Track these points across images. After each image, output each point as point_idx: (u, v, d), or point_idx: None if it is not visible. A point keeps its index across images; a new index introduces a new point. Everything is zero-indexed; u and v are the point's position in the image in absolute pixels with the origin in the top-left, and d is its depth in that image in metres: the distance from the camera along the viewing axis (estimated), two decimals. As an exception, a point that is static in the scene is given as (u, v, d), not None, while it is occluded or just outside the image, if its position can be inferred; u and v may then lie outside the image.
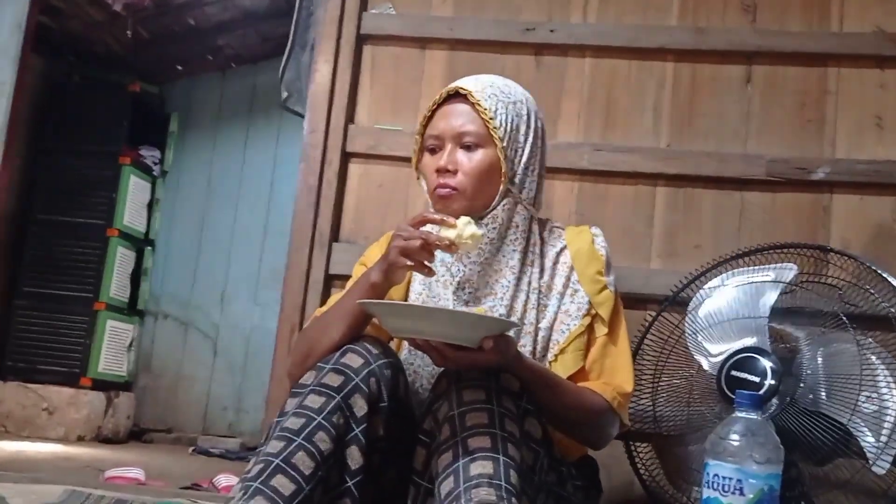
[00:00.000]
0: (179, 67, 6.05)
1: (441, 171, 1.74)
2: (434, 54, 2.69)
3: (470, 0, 2.70)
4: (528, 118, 1.78)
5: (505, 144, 1.74)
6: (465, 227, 1.56)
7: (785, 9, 2.53)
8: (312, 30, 2.77)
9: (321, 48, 2.69)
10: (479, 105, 1.74)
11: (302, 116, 2.70)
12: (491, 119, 1.73)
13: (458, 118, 1.75)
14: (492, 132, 1.73)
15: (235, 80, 6.09)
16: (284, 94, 2.82)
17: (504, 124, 1.74)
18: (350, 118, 2.68)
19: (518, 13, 2.66)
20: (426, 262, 1.58)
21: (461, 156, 1.74)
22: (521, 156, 1.76)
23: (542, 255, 1.79)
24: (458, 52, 2.67)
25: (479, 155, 1.74)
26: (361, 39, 2.72)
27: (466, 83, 1.77)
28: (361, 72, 2.72)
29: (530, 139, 1.77)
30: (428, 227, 1.60)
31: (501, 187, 1.74)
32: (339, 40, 2.69)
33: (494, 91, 1.77)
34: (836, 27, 2.50)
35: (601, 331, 1.77)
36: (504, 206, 1.75)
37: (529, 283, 1.75)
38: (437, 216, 1.61)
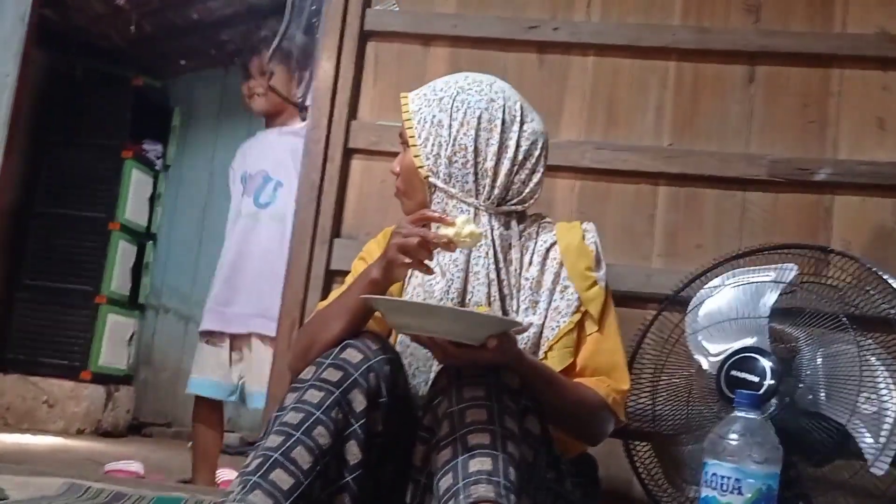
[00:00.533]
0: (182, 62, 6.06)
1: (394, 174, 1.87)
2: (437, 51, 2.69)
3: (474, -3, 2.70)
4: (458, 111, 1.76)
5: (420, 141, 1.76)
6: (463, 226, 1.57)
7: (788, 9, 2.53)
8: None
9: (324, 44, 2.70)
10: (404, 106, 1.81)
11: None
12: (409, 119, 1.79)
13: (402, 122, 1.83)
14: (406, 131, 1.79)
15: (238, 76, 6.10)
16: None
17: (422, 121, 1.77)
18: (353, 114, 2.68)
19: (521, 11, 2.66)
20: (425, 261, 1.58)
21: (401, 156, 1.84)
22: (444, 149, 1.75)
23: (532, 251, 1.79)
24: (461, 50, 2.67)
25: (407, 154, 1.80)
26: (365, 36, 2.72)
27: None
28: (364, 68, 2.72)
29: (458, 131, 1.75)
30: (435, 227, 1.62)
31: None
32: (343, 36, 2.69)
33: (426, 91, 1.82)
34: (840, 28, 2.50)
35: (591, 328, 1.77)
36: (435, 201, 1.77)
37: (508, 279, 1.75)
38: (435, 214, 1.63)
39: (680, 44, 2.55)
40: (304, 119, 2.95)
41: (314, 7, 2.84)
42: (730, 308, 2.05)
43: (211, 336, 2.77)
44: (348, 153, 2.66)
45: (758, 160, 2.46)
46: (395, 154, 2.55)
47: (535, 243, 1.81)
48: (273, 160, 2.84)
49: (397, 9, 2.72)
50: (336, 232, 2.63)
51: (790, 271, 2.06)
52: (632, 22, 2.60)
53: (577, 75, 2.61)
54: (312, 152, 2.65)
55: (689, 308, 2.14)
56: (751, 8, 2.55)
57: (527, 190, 1.79)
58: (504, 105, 1.77)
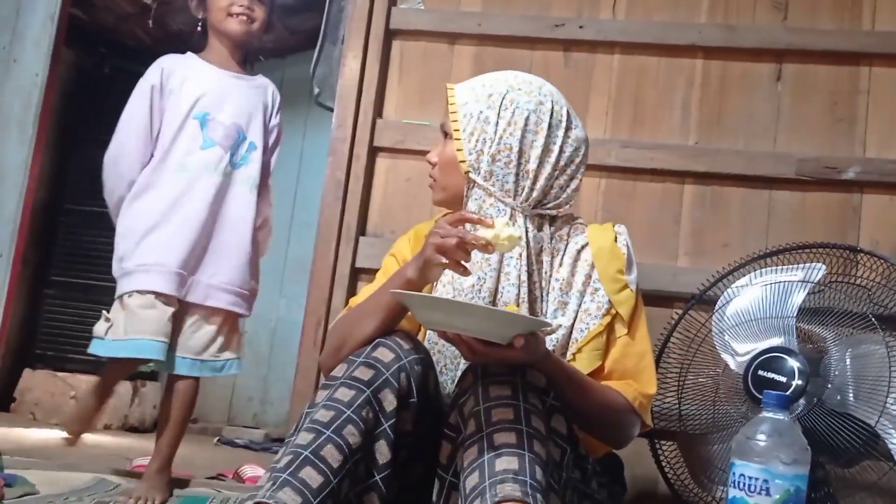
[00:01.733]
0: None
1: (430, 164, 1.84)
2: (462, 49, 2.70)
3: (499, -5, 2.70)
4: (506, 109, 1.75)
5: (465, 135, 1.75)
6: (502, 228, 1.56)
7: (816, 7, 2.51)
8: (343, 25, 2.78)
9: (350, 43, 2.71)
10: (451, 98, 1.78)
11: (332, 111, 2.71)
12: (454, 112, 1.76)
13: (445, 113, 1.81)
14: (451, 123, 1.77)
15: (263, 73, 6.12)
16: (316, 90, 2.83)
17: (469, 115, 1.76)
18: (378, 113, 2.69)
19: (547, 9, 2.66)
20: (462, 262, 1.58)
21: (441, 147, 1.82)
22: (488, 146, 1.74)
23: (563, 252, 1.79)
24: (487, 48, 2.68)
25: (449, 146, 1.78)
26: (390, 34, 2.73)
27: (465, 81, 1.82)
28: (390, 67, 2.73)
29: (504, 130, 1.73)
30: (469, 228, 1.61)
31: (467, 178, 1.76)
32: (368, 35, 2.70)
33: (475, 84, 1.80)
34: (869, 26, 2.48)
35: (621, 331, 1.76)
36: (472, 197, 1.76)
37: (540, 281, 1.75)
38: (474, 216, 1.62)
39: (706, 41, 2.54)
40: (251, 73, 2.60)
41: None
42: (757, 307, 2.04)
43: (159, 297, 2.36)
44: (373, 151, 2.67)
45: (785, 159, 2.44)
46: (420, 152, 2.58)
47: (567, 245, 1.80)
48: (248, 116, 2.48)
49: (423, 7, 2.73)
50: (361, 230, 2.64)
51: (818, 271, 2.04)
52: (658, 20, 2.59)
53: (603, 73, 2.60)
54: (338, 151, 2.66)
55: (716, 307, 2.13)
56: (778, 5, 2.53)
57: (564, 195, 1.78)
58: (552, 108, 1.76)
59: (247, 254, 2.46)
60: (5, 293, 3.02)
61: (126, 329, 2.32)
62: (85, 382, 4.86)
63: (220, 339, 2.43)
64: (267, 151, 2.50)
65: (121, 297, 2.36)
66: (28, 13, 2.82)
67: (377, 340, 1.59)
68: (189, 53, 2.54)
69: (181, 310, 2.37)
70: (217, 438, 5.01)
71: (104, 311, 2.41)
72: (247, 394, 5.85)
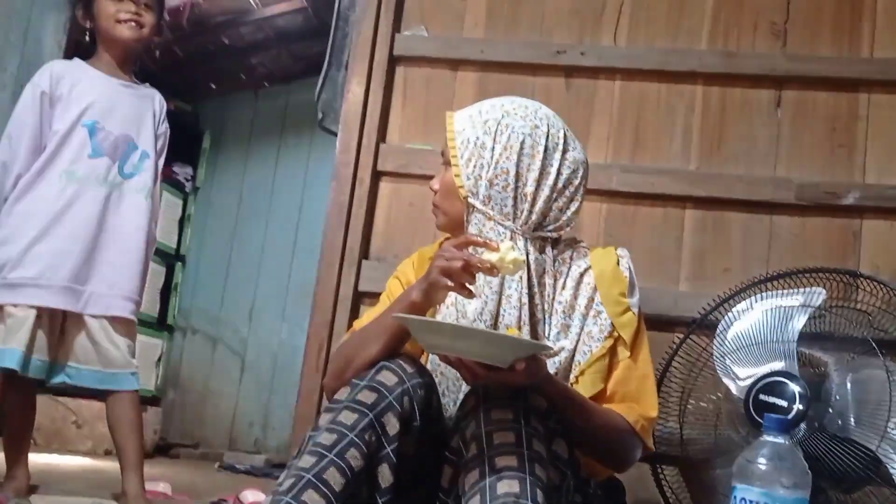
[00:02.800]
0: (213, 86, 6.13)
1: (432, 191, 1.87)
2: (465, 76, 2.72)
3: (501, 23, 2.73)
4: (502, 134, 1.76)
5: (462, 161, 1.77)
6: (507, 252, 1.57)
7: (815, 34, 2.54)
8: (347, 51, 2.81)
9: (354, 69, 2.73)
10: (449, 126, 1.81)
11: (336, 136, 2.73)
12: (452, 139, 1.78)
13: (445, 141, 1.83)
14: (449, 150, 1.79)
15: (268, 99, 6.17)
16: (320, 115, 2.85)
17: (466, 141, 1.78)
18: (382, 137, 2.71)
19: (549, 36, 2.69)
20: (467, 284, 1.59)
21: (442, 174, 1.84)
22: (486, 171, 1.76)
23: (565, 275, 1.80)
24: (490, 74, 2.70)
25: (448, 173, 1.80)
26: (394, 61, 2.75)
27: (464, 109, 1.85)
28: (394, 92, 2.76)
29: (500, 155, 1.75)
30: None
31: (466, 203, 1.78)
32: (372, 61, 2.73)
33: (473, 112, 1.82)
34: (867, 53, 2.50)
35: (623, 354, 1.77)
36: (472, 221, 1.77)
37: (542, 304, 1.76)
38: (479, 239, 1.63)
39: (707, 68, 2.57)
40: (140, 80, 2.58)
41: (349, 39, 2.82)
42: (758, 332, 2.05)
43: (43, 311, 2.33)
44: (377, 176, 2.69)
45: (785, 184, 2.46)
46: (424, 177, 2.60)
47: (570, 268, 1.80)
48: (137, 124, 2.48)
49: (426, 34, 2.76)
50: (364, 253, 2.65)
51: (819, 295, 2.05)
52: (658, 47, 2.62)
53: (604, 99, 2.63)
54: (342, 175, 2.68)
55: (717, 331, 2.14)
56: (778, 33, 2.56)
57: (564, 217, 1.79)
58: (548, 132, 1.78)
59: (142, 262, 2.49)
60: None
61: (3, 339, 2.29)
62: (86, 407, 4.86)
63: (129, 349, 2.45)
64: (157, 158, 2.53)
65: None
66: (36, 40, 2.85)
67: (380, 364, 1.60)
68: (76, 60, 2.52)
69: (80, 323, 2.36)
70: (218, 463, 5.00)
71: None
72: (248, 418, 5.85)
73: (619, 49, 2.63)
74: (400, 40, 2.75)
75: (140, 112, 2.50)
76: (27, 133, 2.38)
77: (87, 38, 2.54)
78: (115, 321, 2.40)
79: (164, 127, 2.59)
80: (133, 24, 2.45)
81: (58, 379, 2.44)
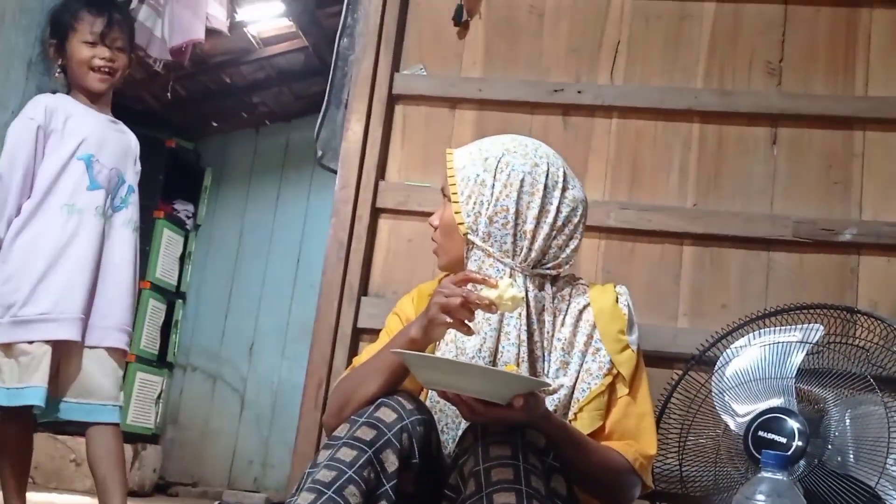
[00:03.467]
0: (214, 124, 6.19)
1: (432, 227, 1.89)
2: (464, 114, 2.75)
3: (499, 62, 2.76)
4: (502, 172, 1.77)
5: (463, 198, 1.78)
6: (506, 289, 1.58)
7: (810, 72, 2.56)
8: (347, 89, 2.84)
9: (354, 107, 2.76)
10: (449, 162, 1.83)
11: (336, 173, 2.75)
12: (452, 176, 1.80)
13: (445, 177, 1.84)
14: (449, 186, 1.80)
15: (269, 137, 6.22)
16: (319, 153, 2.87)
17: (466, 178, 1.79)
18: (381, 175, 2.73)
19: (546, 75, 2.72)
20: (466, 321, 1.59)
21: (441, 210, 1.86)
22: (486, 208, 1.77)
23: (564, 312, 1.80)
24: (487, 112, 2.73)
25: (448, 209, 1.82)
26: (393, 99, 2.78)
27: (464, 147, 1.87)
28: (393, 130, 2.78)
29: (501, 192, 1.76)
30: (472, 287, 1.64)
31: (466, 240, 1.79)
32: (372, 99, 2.76)
33: (473, 149, 1.84)
34: (862, 91, 2.52)
35: (622, 391, 1.77)
36: (472, 258, 1.78)
37: (541, 340, 1.77)
38: (478, 276, 1.64)
39: (703, 106, 2.59)
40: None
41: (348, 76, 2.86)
42: (756, 368, 2.05)
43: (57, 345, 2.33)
44: (376, 212, 2.71)
45: (782, 220, 2.47)
46: (422, 214, 2.62)
47: (569, 305, 1.81)
48: (123, 159, 2.53)
49: (425, 73, 2.79)
50: (364, 290, 2.66)
51: (816, 331, 2.06)
52: (655, 85, 2.64)
53: (601, 137, 2.65)
54: (341, 212, 2.69)
55: (716, 368, 2.14)
56: (773, 71, 2.59)
57: (563, 255, 1.80)
58: (547, 170, 1.79)
59: (131, 294, 2.51)
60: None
61: (21, 377, 2.29)
62: (84, 446, 4.85)
63: (119, 382, 2.45)
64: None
65: (10, 344, 2.33)
66: (38, 79, 2.88)
67: (380, 400, 1.60)
68: (62, 94, 2.55)
69: (77, 355, 2.36)
70: (217, 502, 4.97)
71: None
72: (248, 457, 5.83)
73: (615, 87, 2.66)
74: (399, 79, 2.78)
75: (123, 147, 2.56)
76: (19, 172, 2.39)
77: (59, 73, 2.56)
78: (110, 352, 2.42)
79: (138, 165, 2.67)
80: (106, 72, 2.49)
81: (51, 415, 2.44)
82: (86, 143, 2.45)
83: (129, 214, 2.53)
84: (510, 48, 2.76)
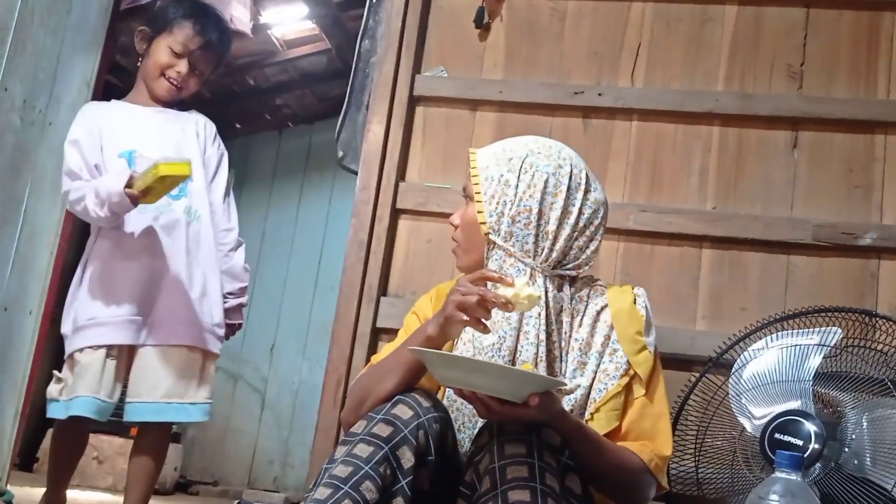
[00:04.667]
0: (238, 125, 6.23)
1: (452, 226, 1.89)
2: (484, 116, 2.76)
3: (520, 64, 2.77)
4: (526, 173, 1.78)
5: (486, 197, 1.79)
6: (522, 287, 1.59)
7: (831, 76, 2.56)
8: (368, 91, 2.86)
9: (375, 109, 2.78)
10: (472, 162, 1.83)
11: (356, 174, 2.77)
12: (476, 175, 1.81)
13: (467, 177, 1.86)
14: (472, 186, 1.81)
15: (292, 139, 6.26)
16: (340, 154, 2.89)
17: (490, 178, 1.80)
18: (401, 176, 2.75)
19: (567, 77, 2.73)
20: (482, 319, 1.61)
21: (463, 210, 1.87)
22: (509, 208, 1.78)
23: (582, 313, 1.81)
24: (508, 114, 2.74)
25: (470, 208, 1.83)
26: (414, 101, 2.80)
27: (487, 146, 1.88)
28: (413, 131, 2.80)
29: (524, 192, 1.77)
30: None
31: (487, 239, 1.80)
32: (393, 101, 2.77)
33: (496, 149, 1.85)
34: (884, 95, 2.52)
35: (639, 392, 1.77)
36: (493, 258, 1.79)
37: (559, 341, 1.77)
38: (495, 274, 1.65)
39: (723, 109, 2.59)
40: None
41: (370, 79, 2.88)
42: (774, 371, 2.05)
43: (114, 351, 2.30)
44: (396, 213, 2.73)
45: (802, 224, 2.47)
46: (442, 215, 2.63)
47: (587, 306, 1.82)
48: (176, 147, 2.42)
49: (446, 75, 2.80)
50: (383, 290, 2.68)
51: (834, 335, 2.05)
52: (675, 87, 2.64)
53: (622, 139, 2.65)
54: (361, 212, 2.71)
55: (733, 370, 2.14)
56: (794, 75, 2.58)
57: (583, 256, 1.81)
58: (571, 171, 1.81)
59: (202, 286, 2.42)
60: (33, 350, 3.07)
61: (72, 388, 2.27)
62: (107, 443, 4.89)
63: (183, 380, 2.37)
64: (211, 180, 2.52)
65: (70, 355, 2.31)
66: (65, 79, 2.92)
67: (397, 398, 1.61)
68: (113, 102, 2.54)
69: (137, 354, 2.32)
70: (237, 501, 5.00)
71: (55, 373, 2.36)
72: (268, 456, 5.85)
73: (636, 90, 2.66)
74: (420, 81, 2.80)
75: (179, 134, 2.48)
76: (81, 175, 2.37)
77: (139, 64, 2.52)
78: (173, 349, 2.35)
79: (215, 148, 2.58)
80: (174, 86, 2.46)
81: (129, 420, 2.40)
82: (126, 140, 2.40)
83: (186, 204, 2.42)
84: (531, 50, 2.77)
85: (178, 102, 2.58)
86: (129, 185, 2.21)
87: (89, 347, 2.30)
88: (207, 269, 2.45)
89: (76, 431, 2.44)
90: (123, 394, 2.37)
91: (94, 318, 2.31)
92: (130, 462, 2.41)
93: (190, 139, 2.50)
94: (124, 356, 2.35)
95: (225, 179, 2.60)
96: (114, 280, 2.34)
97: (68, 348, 2.34)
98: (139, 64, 2.53)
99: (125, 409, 2.37)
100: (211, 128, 2.59)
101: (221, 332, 2.48)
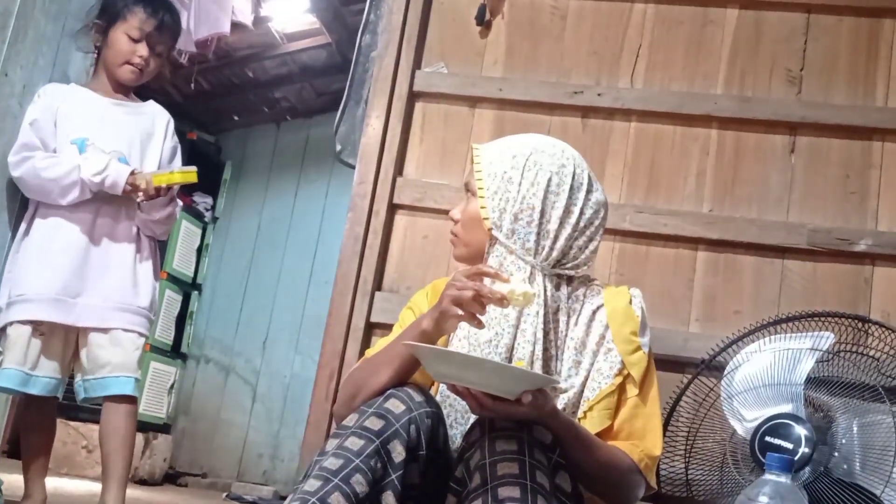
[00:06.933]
0: (236, 118, 6.22)
1: (452, 221, 1.88)
2: (483, 113, 2.76)
3: (520, 62, 2.78)
4: (529, 171, 1.79)
5: (489, 193, 1.79)
6: (518, 284, 1.59)
7: (830, 82, 2.57)
8: (367, 85, 2.86)
9: (374, 103, 2.78)
10: (476, 157, 1.83)
11: (354, 168, 2.77)
12: (479, 171, 1.81)
13: (468, 172, 1.86)
14: (476, 181, 1.81)
15: (289, 132, 6.25)
16: (338, 147, 2.89)
17: (493, 174, 1.80)
18: (399, 171, 2.75)
19: (566, 76, 2.73)
20: (477, 314, 1.61)
21: (465, 204, 1.87)
22: (511, 205, 1.78)
23: (578, 313, 1.81)
24: (507, 112, 2.74)
25: (473, 204, 1.82)
26: (413, 96, 2.80)
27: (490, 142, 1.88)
28: (412, 127, 2.80)
29: (528, 190, 1.77)
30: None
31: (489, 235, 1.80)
32: (392, 96, 2.78)
33: (501, 145, 1.85)
34: (882, 102, 2.53)
35: (632, 392, 1.77)
36: (493, 254, 1.79)
37: (555, 340, 1.77)
38: (491, 270, 1.65)
39: (722, 112, 2.59)
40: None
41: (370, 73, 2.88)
42: (766, 374, 2.06)
43: (44, 327, 2.36)
44: (393, 208, 2.73)
45: (797, 229, 2.47)
46: (439, 211, 2.64)
47: (583, 305, 1.82)
48: (128, 141, 2.48)
49: (446, 71, 2.80)
50: (378, 285, 2.68)
51: (827, 339, 2.06)
52: (674, 89, 2.65)
53: (620, 140, 2.66)
54: (358, 206, 2.71)
55: (725, 372, 2.15)
56: (793, 79, 2.59)
57: (583, 256, 1.82)
58: (574, 171, 1.81)
59: (132, 273, 2.49)
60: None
61: (5, 360, 2.33)
62: (97, 432, 4.88)
63: (116, 360, 2.41)
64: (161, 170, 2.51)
65: (3, 328, 2.37)
66: (64, 65, 2.90)
67: (389, 392, 1.61)
68: (73, 85, 2.58)
69: (79, 335, 2.39)
70: (226, 494, 5.00)
71: None
72: (258, 450, 5.84)
73: (635, 91, 2.67)
74: (420, 77, 2.80)
75: (134, 128, 2.53)
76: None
77: (95, 54, 2.60)
78: (120, 332, 2.43)
79: (172, 142, 2.62)
80: (138, 69, 2.52)
81: (81, 399, 2.46)
82: (80, 127, 2.45)
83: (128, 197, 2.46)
84: (531, 49, 2.78)
85: (138, 90, 2.64)
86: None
87: (18, 322, 2.35)
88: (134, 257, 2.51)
89: (37, 410, 2.49)
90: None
91: (22, 295, 2.36)
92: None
93: (145, 137, 2.56)
94: (58, 332, 2.40)
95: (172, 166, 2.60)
96: (47, 257, 2.39)
97: (0, 322, 2.39)
98: (95, 55, 2.61)
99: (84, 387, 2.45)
100: (167, 121, 2.64)
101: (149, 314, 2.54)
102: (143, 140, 2.54)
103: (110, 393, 2.42)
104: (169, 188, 2.43)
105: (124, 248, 2.48)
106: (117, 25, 2.52)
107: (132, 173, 2.38)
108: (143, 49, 2.51)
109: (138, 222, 2.51)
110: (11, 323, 2.35)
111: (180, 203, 2.64)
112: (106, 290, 2.43)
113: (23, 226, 2.46)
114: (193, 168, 2.44)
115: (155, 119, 2.60)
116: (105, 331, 2.41)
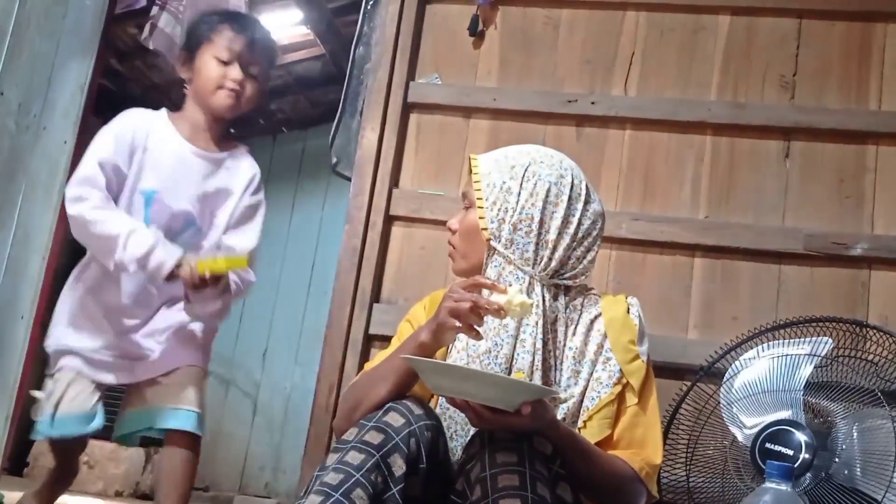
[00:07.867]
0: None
1: (450, 231, 1.89)
2: (478, 123, 2.77)
3: (514, 72, 2.78)
4: (528, 181, 1.79)
5: (487, 204, 1.80)
6: (515, 295, 1.60)
7: (823, 87, 2.57)
8: (362, 97, 2.87)
9: (369, 115, 2.78)
10: (474, 168, 1.84)
11: (350, 180, 2.77)
12: (478, 181, 1.82)
13: (466, 183, 1.87)
14: (474, 192, 1.82)
15: (286, 144, 6.26)
16: (334, 160, 2.89)
17: (492, 185, 1.81)
18: (395, 182, 2.75)
19: (560, 85, 2.73)
20: (475, 326, 1.61)
21: (462, 215, 1.88)
22: (510, 215, 1.79)
23: (576, 322, 1.81)
24: (502, 122, 2.75)
25: (471, 214, 1.83)
26: (408, 108, 2.81)
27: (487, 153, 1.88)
28: (407, 138, 2.80)
29: (526, 201, 1.78)
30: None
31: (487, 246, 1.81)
32: (387, 108, 2.78)
33: (498, 156, 1.86)
34: (875, 106, 2.53)
35: (631, 400, 1.78)
36: (492, 264, 1.80)
37: (554, 350, 1.78)
38: (488, 281, 1.65)
39: (716, 118, 2.60)
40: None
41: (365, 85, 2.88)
42: (765, 380, 2.06)
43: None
44: (389, 220, 2.73)
45: (794, 234, 2.48)
46: (435, 222, 2.64)
47: (581, 315, 1.82)
48: (201, 201, 2.22)
49: (440, 82, 2.81)
50: (376, 297, 2.68)
51: (825, 345, 2.06)
52: (668, 97, 2.65)
53: (614, 148, 2.66)
54: (355, 218, 2.72)
55: (724, 379, 2.15)
56: (786, 85, 2.59)
57: (581, 266, 1.82)
58: (572, 182, 1.82)
59: (186, 330, 2.26)
60: (24, 356, 3.06)
61: (57, 406, 2.20)
62: (98, 448, 4.88)
63: (177, 392, 2.27)
64: (232, 228, 2.29)
65: (52, 374, 2.23)
66: (59, 83, 2.92)
67: (388, 405, 1.61)
68: (162, 112, 2.30)
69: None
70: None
71: (33, 393, 2.28)
72: (259, 462, 5.84)
73: (629, 99, 2.67)
74: (414, 88, 2.81)
75: (209, 186, 2.25)
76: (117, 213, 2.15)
77: (185, 87, 2.30)
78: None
79: (250, 200, 2.35)
80: (233, 93, 2.23)
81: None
82: (153, 174, 2.18)
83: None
84: (525, 59, 2.78)
85: (234, 133, 2.39)
86: (178, 264, 2.07)
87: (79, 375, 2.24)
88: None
89: (81, 445, 2.43)
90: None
91: (69, 347, 2.22)
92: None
93: (221, 195, 2.28)
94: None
95: (253, 231, 2.35)
96: (95, 312, 2.23)
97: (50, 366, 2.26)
98: (185, 90, 2.32)
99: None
100: (254, 176, 2.37)
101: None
102: (217, 199, 2.26)
103: (169, 427, 2.29)
104: (217, 279, 2.08)
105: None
106: (203, 49, 2.24)
107: (179, 260, 2.07)
108: (234, 71, 2.22)
109: (187, 312, 2.21)
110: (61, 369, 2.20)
111: (236, 285, 2.22)
112: (157, 349, 2.23)
113: (78, 271, 2.30)
114: (244, 254, 2.15)
115: (236, 174, 2.31)
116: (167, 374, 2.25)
